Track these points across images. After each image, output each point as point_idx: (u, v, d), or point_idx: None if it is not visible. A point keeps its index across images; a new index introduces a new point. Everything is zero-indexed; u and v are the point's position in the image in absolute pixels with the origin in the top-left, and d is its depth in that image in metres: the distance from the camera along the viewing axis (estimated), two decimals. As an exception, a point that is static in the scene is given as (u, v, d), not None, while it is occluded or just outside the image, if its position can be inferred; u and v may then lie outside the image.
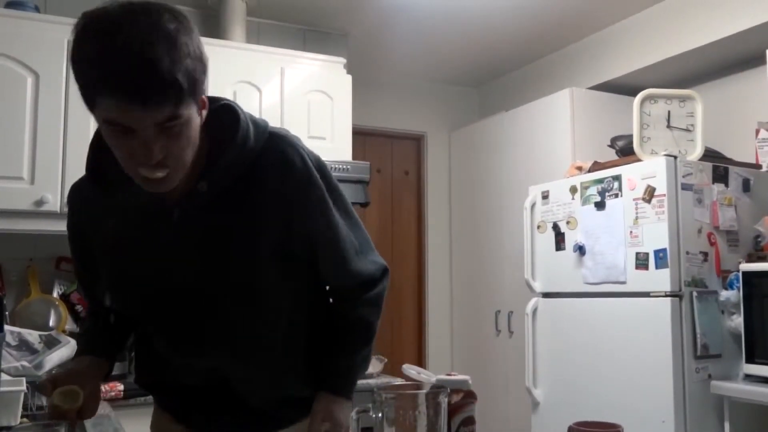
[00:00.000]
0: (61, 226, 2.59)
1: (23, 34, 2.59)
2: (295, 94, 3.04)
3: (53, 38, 2.62)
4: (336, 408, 1.20)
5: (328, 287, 1.31)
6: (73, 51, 0.97)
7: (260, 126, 1.16)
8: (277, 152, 1.14)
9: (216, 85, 2.87)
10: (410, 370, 1.06)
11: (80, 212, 1.25)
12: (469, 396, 1.09)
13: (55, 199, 2.57)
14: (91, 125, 2.69)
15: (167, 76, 0.93)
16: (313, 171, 1.16)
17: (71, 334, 2.55)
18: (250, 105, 2.93)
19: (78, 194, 1.25)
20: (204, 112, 1.07)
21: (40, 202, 2.54)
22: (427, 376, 1.08)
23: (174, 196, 1.11)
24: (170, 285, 1.16)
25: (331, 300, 1.31)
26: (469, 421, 1.08)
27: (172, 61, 0.94)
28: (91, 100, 0.98)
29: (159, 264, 1.15)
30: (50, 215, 2.58)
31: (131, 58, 0.92)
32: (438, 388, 1.00)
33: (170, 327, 1.22)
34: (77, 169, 2.62)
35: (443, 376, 1.11)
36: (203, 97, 1.06)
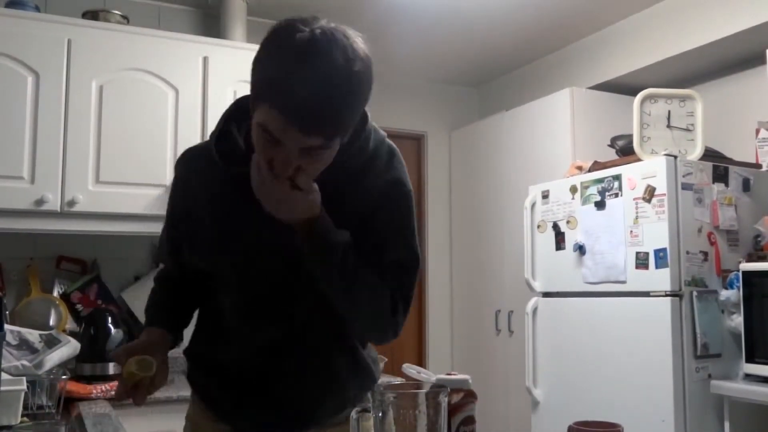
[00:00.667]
0: (61, 226, 2.61)
1: (23, 34, 2.58)
2: (295, 94, 3.03)
3: (53, 37, 2.62)
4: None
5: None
6: (268, 51, 1.05)
7: (381, 133, 1.27)
8: (386, 154, 1.26)
9: (216, 85, 2.88)
10: (410, 369, 1.06)
11: (189, 178, 1.31)
12: (469, 395, 1.09)
13: (56, 199, 2.57)
14: (92, 127, 2.70)
15: (336, 117, 1.02)
16: (410, 189, 1.28)
17: (71, 333, 2.55)
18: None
19: (191, 162, 1.33)
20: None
21: (40, 202, 2.54)
22: (427, 375, 1.08)
23: None
24: (274, 263, 1.22)
25: None
26: (470, 420, 1.08)
27: (347, 105, 1.03)
28: (257, 100, 1.05)
29: (267, 240, 1.21)
30: (50, 214, 2.58)
31: (316, 91, 0.98)
32: (438, 387, 1.00)
33: (260, 301, 1.26)
34: (78, 168, 2.64)
35: (443, 376, 1.11)
36: None
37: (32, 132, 2.57)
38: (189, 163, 1.33)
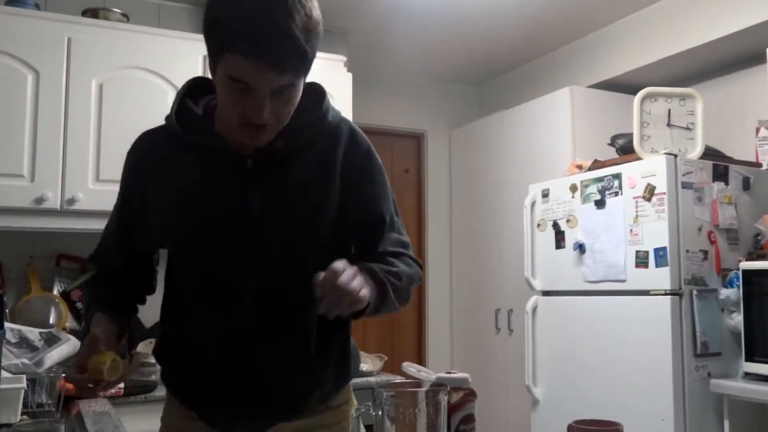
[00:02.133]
0: (61, 224, 2.61)
1: (23, 32, 2.58)
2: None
3: (53, 35, 2.62)
4: (368, 283, 1.11)
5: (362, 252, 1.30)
6: (215, 4, 1.08)
7: (337, 110, 1.32)
8: (348, 130, 1.30)
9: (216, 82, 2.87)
10: (410, 368, 1.06)
11: (143, 156, 1.31)
12: (469, 394, 1.09)
13: (56, 197, 2.57)
14: (91, 125, 2.70)
15: (302, 49, 1.06)
16: (374, 151, 1.32)
17: (71, 332, 2.55)
18: (250, 103, 2.93)
19: (145, 139, 1.34)
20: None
21: (40, 200, 2.54)
22: (427, 374, 1.08)
23: (248, 148, 1.20)
24: (231, 227, 1.21)
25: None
26: (469, 419, 1.08)
27: (307, 35, 1.07)
28: (219, 54, 1.08)
29: (225, 206, 1.21)
30: (50, 213, 2.58)
31: (276, 28, 1.03)
32: (438, 386, 1.00)
33: (218, 272, 1.24)
34: (77, 167, 2.63)
35: (443, 374, 1.11)
36: None
37: (32, 130, 2.57)
38: (145, 141, 1.34)
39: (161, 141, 1.29)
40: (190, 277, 1.28)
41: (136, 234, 1.32)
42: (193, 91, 1.28)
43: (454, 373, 1.12)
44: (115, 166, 2.67)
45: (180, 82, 2.82)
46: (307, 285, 1.04)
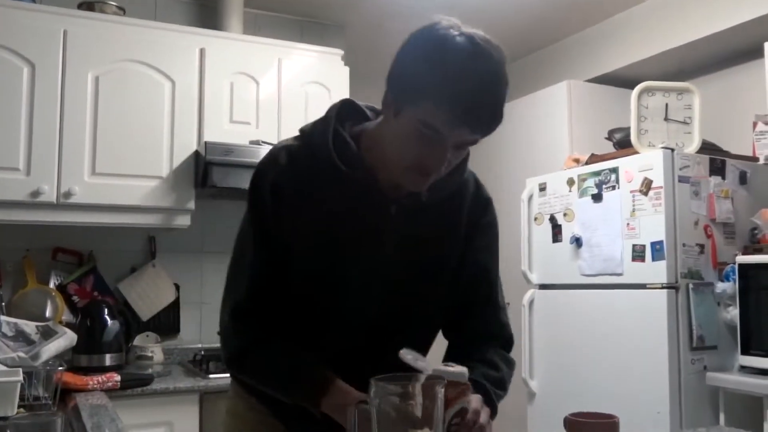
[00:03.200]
0: (57, 217, 2.61)
1: (19, 25, 2.57)
2: (292, 86, 3.03)
3: (49, 28, 2.61)
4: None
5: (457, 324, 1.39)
6: (428, 52, 1.07)
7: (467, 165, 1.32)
8: (477, 186, 1.36)
9: (213, 77, 2.87)
10: (408, 355, 1.06)
11: (285, 193, 1.20)
12: (466, 388, 1.08)
13: (51, 190, 2.57)
14: (87, 118, 2.69)
15: (499, 117, 1.07)
16: (493, 206, 1.36)
17: (68, 325, 2.56)
18: (246, 96, 2.92)
19: (288, 161, 1.21)
20: None
21: (36, 193, 2.54)
22: (424, 363, 1.07)
23: (397, 190, 1.20)
24: (365, 265, 1.21)
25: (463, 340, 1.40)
26: (465, 412, 1.08)
27: (503, 102, 1.07)
28: (417, 100, 1.05)
29: (364, 244, 1.21)
30: (46, 206, 2.57)
31: (487, 89, 1.04)
32: (435, 378, 1.00)
33: (340, 300, 1.23)
34: (73, 160, 2.63)
35: (441, 367, 1.10)
36: None
37: (28, 123, 2.56)
38: (289, 165, 1.21)
39: (306, 167, 1.21)
40: (309, 302, 1.24)
41: (292, 278, 1.22)
42: (340, 115, 1.23)
43: (452, 366, 1.11)
44: (111, 160, 2.69)
45: (176, 75, 2.84)
46: (416, 319, 1.22)
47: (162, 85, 2.79)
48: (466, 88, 1.03)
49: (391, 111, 1.12)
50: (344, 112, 1.25)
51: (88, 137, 2.65)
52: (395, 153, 1.13)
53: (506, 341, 1.38)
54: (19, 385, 1.67)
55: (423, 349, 1.32)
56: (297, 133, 1.28)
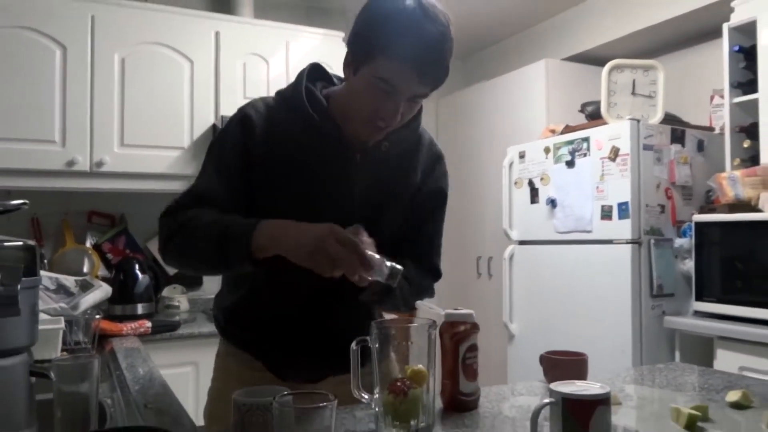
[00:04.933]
0: (90, 184, 2.60)
1: (51, 11, 2.52)
2: (299, 65, 2.93)
3: (79, 14, 2.56)
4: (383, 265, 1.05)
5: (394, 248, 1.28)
6: (384, 13, 1.07)
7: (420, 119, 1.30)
8: (431, 143, 1.33)
9: (227, 57, 2.83)
10: (423, 305, 1.09)
11: (262, 124, 1.20)
12: (474, 327, 1.12)
13: (85, 160, 2.55)
14: (115, 95, 2.66)
15: (445, 69, 1.10)
16: (444, 160, 1.34)
17: (104, 279, 2.57)
18: (258, 76, 2.89)
19: (264, 108, 1.23)
20: None
21: (71, 163, 2.52)
22: (438, 310, 1.10)
23: (360, 141, 1.20)
24: (336, 206, 1.19)
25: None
26: (473, 347, 1.11)
27: (448, 60, 1.10)
28: (371, 54, 1.07)
29: (334, 188, 1.20)
30: (81, 174, 2.56)
31: (434, 45, 1.06)
32: (429, 321, 1.01)
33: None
34: (104, 133, 2.60)
35: (451, 311, 1.13)
36: None
37: (62, 100, 2.53)
38: (264, 110, 1.22)
39: (281, 116, 1.21)
40: None
41: (247, 183, 1.19)
42: (311, 75, 1.26)
43: (460, 309, 1.14)
44: (138, 132, 2.67)
45: (194, 56, 2.79)
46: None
47: (182, 65, 2.75)
48: (414, 42, 1.05)
49: (351, 70, 1.13)
50: (314, 73, 1.28)
51: (116, 112, 2.63)
52: (355, 107, 1.15)
53: (433, 274, 1.33)
54: (61, 331, 1.68)
55: None
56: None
